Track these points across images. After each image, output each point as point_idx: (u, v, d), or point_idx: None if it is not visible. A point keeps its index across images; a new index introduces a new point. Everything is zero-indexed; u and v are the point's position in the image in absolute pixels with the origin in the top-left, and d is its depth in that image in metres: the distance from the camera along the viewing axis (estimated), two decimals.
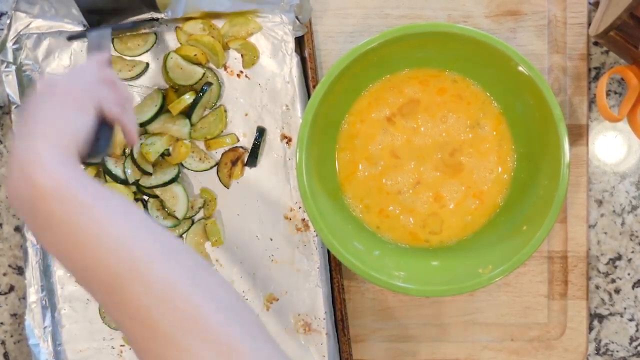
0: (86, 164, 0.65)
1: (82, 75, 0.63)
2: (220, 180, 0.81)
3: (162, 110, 0.79)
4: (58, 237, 0.49)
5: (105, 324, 0.81)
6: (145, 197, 0.81)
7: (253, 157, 0.80)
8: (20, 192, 0.51)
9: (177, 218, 0.80)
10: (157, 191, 0.79)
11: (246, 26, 0.79)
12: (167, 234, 0.52)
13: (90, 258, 0.48)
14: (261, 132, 0.80)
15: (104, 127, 0.62)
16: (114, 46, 0.80)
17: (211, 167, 0.81)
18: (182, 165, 0.80)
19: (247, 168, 0.80)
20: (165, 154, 0.80)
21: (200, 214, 0.81)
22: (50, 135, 0.54)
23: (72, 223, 0.49)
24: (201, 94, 0.78)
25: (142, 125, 0.79)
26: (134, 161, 0.79)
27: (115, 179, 0.79)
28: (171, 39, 0.81)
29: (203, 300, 0.47)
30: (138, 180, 0.79)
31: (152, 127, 0.80)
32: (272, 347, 0.47)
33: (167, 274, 0.47)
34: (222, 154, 0.81)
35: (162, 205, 0.80)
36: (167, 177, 0.79)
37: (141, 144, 0.79)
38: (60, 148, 0.53)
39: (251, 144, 0.80)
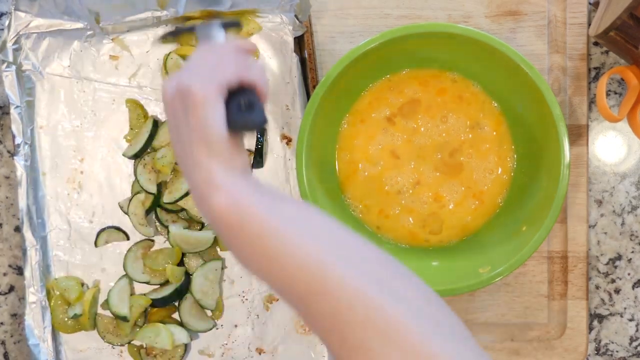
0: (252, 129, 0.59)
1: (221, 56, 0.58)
2: None
3: (154, 136, 0.80)
4: (248, 255, 0.51)
5: (106, 342, 0.81)
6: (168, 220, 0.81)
7: (258, 158, 0.80)
8: (204, 213, 0.53)
9: (203, 224, 0.80)
10: (181, 203, 0.79)
11: (246, 26, 0.79)
12: (349, 237, 0.51)
13: (278, 274, 0.49)
14: (262, 132, 0.80)
15: (246, 95, 0.56)
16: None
17: None
18: None
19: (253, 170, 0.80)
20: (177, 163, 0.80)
21: None
22: (214, 149, 0.53)
23: (255, 243, 0.50)
24: None
25: (137, 155, 0.80)
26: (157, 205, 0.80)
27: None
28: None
29: (390, 300, 0.45)
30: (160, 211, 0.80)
31: (160, 140, 0.80)
32: (465, 346, 0.46)
33: (356, 284, 0.46)
34: None
35: (189, 216, 0.80)
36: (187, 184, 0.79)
37: (153, 159, 0.79)
38: (227, 160, 0.53)
39: (253, 145, 0.80)
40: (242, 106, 0.55)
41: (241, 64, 0.57)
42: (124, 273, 0.81)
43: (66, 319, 0.80)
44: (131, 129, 0.81)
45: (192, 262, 0.81)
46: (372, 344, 0.44)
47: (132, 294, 0.81)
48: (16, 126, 0.80)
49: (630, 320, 0.83)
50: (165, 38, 0.70)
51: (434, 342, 0.44)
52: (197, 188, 0.53)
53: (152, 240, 0.81)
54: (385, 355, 0.44)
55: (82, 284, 0.81)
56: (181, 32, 0.70)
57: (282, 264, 0.49)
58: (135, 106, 0.81)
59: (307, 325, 0.49)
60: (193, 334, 0.81)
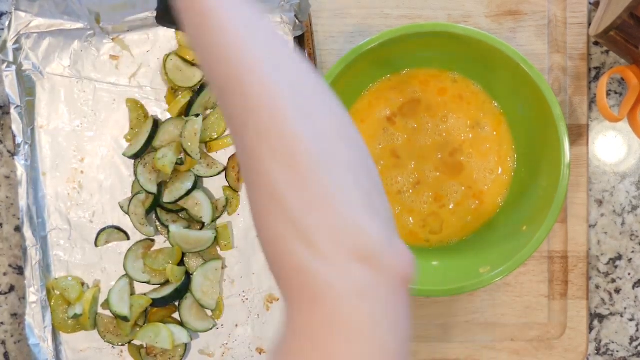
0: None
1: None
2: (230, 185, 0.81)
3: (154, 136, 0.80)
4: (194, 29, 0.49)
5: (107, 341, 0.81)
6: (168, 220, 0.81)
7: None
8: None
9: (204, 223, 0.80)
10: (181, 202, 0.79)
11: None
12: (285, 54, 0.49)
13: (211, 61, 0.47)
14: None
15: None
16: None
17: (219, 173, 0.81)
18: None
19: None
20: (178, 163, 0.79)
21: (225, 215, 0.81)
22: None
23: (205, 24, 0.48)
24: (197, 93, 0.78)
25: (137, 155, 0.80)
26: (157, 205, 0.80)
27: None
28: (170, 38, 0.81)
29: (296, 121, 0.44)
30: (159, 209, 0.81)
31: (161, 139, 0.80)
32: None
33: (267, 84, 0.45)
34: (229, 158, 0.81)
35: (189, 216, 0.80)
36: (188, 184, 0.79)
37: (154, 159, 0.79)
38: None
39: None
40: None
41: None
42: (124, 273, 0.81)
43: (66, 319, 0.80)
44: (131, 128, 0.81)
45: (192, 262, 0.81)
46: (262, 154, 0.43)
47: (132, 293, 0.81)
48: (16, 126, 0.80)
49: (631, 320, 0.83)
50: (162, 16, 0.65)
51: (321, 169, 0.43)
52: None
53: (153, 240, 0.81)
54: (267, 166, 0.43)
55: (83, 284, 0.81)
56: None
57: (215, 46, 0.47)
58: (135, 106, 0.81)
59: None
60: (193, 333, 0.81)
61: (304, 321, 0.43)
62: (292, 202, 0.43)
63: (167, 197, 0.79)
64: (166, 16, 0.62)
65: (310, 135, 0.44)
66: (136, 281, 0.81)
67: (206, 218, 0.79)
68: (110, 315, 0.81)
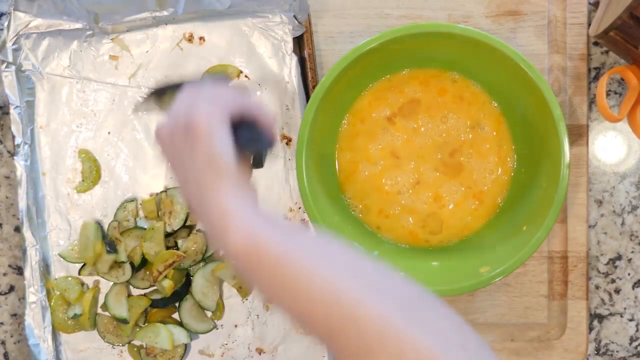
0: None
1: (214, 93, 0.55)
2: None
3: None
4: (269, 290, 0.49)
5: (107, 342, 0.81)
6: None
7: (259, 157, 0.79)
8: (222, 250, 0.51)
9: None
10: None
11: (225, 70, 0.80)
12: (370, 266, 0.49)
13: (301, 308, 0.47)
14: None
15: (247, 130, 0.55)
16: None
17: None
18: None
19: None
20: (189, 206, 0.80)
21: None
22: (224, 174, 0.51)
23: (275, 276, 0.48)
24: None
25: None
26: None
27: None
28: (169, 38, 0.81)
29: (420, 332, 0.44)
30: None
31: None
32: None
33: (378, 310, 0.44)
34: None
35: None
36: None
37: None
38: (237, 189, 0.52)
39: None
40: (247, 132, 0.53)
41: (238, 95, 0.55)
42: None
43: (66, 319, 0.80)
44: (83, 180, 0.81)
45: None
46: None
47: (129, 295, 0.81)
48: (16, 126, 0.80)
49: (631, 320, 0.83)
50: (147, 100, 0.64)
51: None
52: (212, 228, 0.51)
53: None
54: None
55: (82, 284, 0.81)
56: (165, 93, 0.63)
57: (304, 295, 0.47)
58: (88, 158, 0.81)
59: (336, 357, 0.47)
60: (193, 334, 0.81)
61: None
62: None
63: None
64: (155, 100, 0.62)
65: (443, 350, 0.43)
66: (136, 287, 0.81)
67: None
68: (110, 315, 0.81)
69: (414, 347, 0.43)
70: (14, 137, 0.80)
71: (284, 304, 0.49)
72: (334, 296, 0.45)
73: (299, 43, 0.81)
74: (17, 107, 0.80)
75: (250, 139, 0.55)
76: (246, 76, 0.80)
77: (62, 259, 0.81)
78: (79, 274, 0.81)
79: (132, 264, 0.80)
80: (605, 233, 0.83)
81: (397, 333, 0.43)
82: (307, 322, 0.47)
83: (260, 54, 0.80)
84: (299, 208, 0.80)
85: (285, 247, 0.49)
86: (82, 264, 0.81)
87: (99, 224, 0.81)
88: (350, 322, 0.44)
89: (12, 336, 0.86)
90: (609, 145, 0.83)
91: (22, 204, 0.80)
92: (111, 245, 0.79)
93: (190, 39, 0.81)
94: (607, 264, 0.83)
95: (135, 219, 0.81)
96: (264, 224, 0.50)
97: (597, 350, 0.83)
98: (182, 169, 0.53)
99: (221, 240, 0.50)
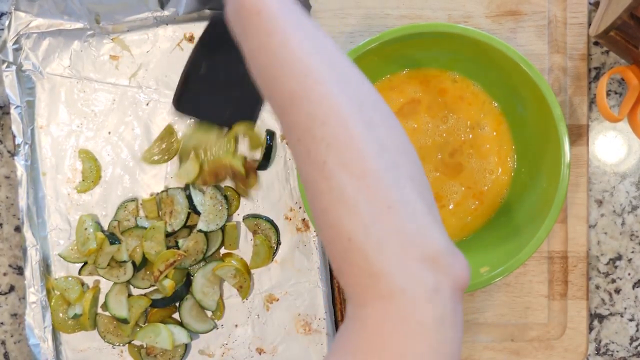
0: None
1: None
2: (241, 195, 0.81)
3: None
4: (255, 48, 0.51)
5: (107, 342, 0.81)
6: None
7: (265, 160, 0.80)
8: (236, 6, 0.53)
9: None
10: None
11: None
12: (345, 64, 0.52)
13: (273, 74, 0.50)
14: (271, 135, 0.80)
15: None
16: None
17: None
18: None
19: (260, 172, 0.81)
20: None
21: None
22: None
23: (269, 42, 0.50)
24: None
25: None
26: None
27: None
28: (170, 38, 0.81)
29: (364, 134, 0.47)
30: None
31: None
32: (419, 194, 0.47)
33: (334, 98, 0.48)
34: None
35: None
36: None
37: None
38: None
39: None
40: None
41: None
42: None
43: (66, 319, 0.80)
44: (83, 180, 0.81)
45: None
46: (331, 164, 0.46)
47: (130, 294, 0.81)
48: (16, 126, 0.80)
49: (631, 320, 0.83)
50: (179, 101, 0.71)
51: (387, 178, 0.46)
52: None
53: None
54: (336, 174, 0.46)
55: (82, 284, 0.81)
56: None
57: (280, 63, 0.49)
58: (88, 158, 0.81)
59: (284, 135, 0.51)
60: (193, 334, 0.81)
61: (376, 320, 0.45)
62: (363, 208, 0.45)
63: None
64: (184, 103, 0.67)
65: (376, 147, 0.47)
66: (137, 287, 0.81)
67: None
68: (110, 315, 0.81)
69: (351, 141, 0.46)
70: (14, 137, 0.80)
71: (260, 66, 0.51)
72: (303, 72, 0.48)
73: None
74: (17, 107, 0.80)
75: None
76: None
77: (62, 259, 0.81)
78: (79, 273, 0.81)
79: (133, 263, 0.80)
80: (605, 233, 0.83)
81: (341, 122, 0.47)
82: (273, 88, 0.50)
83: None
84: (299, 208, 0.80)
85: (288, 15, 0.51)
86: (83, 263, 0.81)
87: (96, 221, 0.81)
88: (304, 97, 0.48)
89: (12, 336, 0.86)
90: (609, 145, 0.83)
91: (22, 204, 0.80)
92: (112, 237, 0.79)
93: (190, 39, 0.81)
94: (607, 264, 0.83)
95: (135, 218, 0.81)
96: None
97: (597, 350, 0.83)
98: None
99: None
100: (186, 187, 0.80)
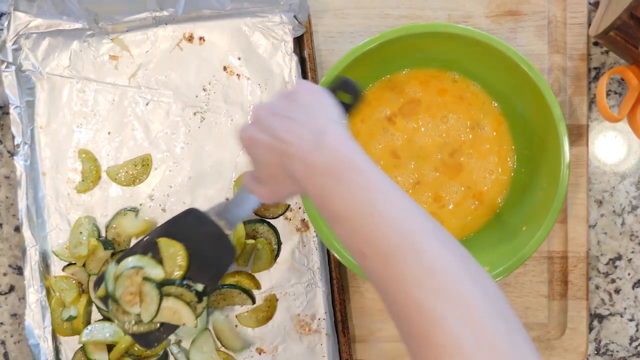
0: None
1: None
2: (256, 213, 0.80)
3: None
4: (344, 197, 0.53)
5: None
6: None
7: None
8: (316, 158, 0.54)
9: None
10: None
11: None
12: (433, 219, 0.53)
13: (372, 229, 0.51)
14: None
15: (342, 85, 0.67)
16: None
17: None
18: None
19: None
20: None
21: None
22: (330, 115, 0.59)
23: (362, 189, 0.52)
24: None
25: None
26: None
27: None
28: (169, 38, 0.81)
29: (471, 285, 0.48)
30: None
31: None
32: (530, 348, 0.48)
33: (440, 250, 0.49)
34: (239, 177, 0.81)
35: None
36: None
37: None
38: (343, 128, 0.58)
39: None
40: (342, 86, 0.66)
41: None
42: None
43: (62, 320, 0.80)
44: (83, 180, 0.81)
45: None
46: (445, 313, 0.46)
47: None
48: (16, 126, 0.80)
49: (631, 320, 0.83)
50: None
51: (507, 338, 0.46)
52: (304, 139, 0.55)
53: None
54: (455, 328, 0.46)
55: (81, 285, 0.81)
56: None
57: (379, 217, 0.51)
58: (88, 158, 0.81)
59: (379, 287, 0.51)
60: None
61: None
62: (469, 345, 0.46)
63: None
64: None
65: (482, 296, 0.48)
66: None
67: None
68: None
69: (460, 288, 0.47)
70: (14, 137, 0.80)
71: (354, 218, 0.52)
72: (406, 227, 0.50)
73: (299, 43, 0.81)
74: (17, 107, 0.80)
75: (346, 90, 0.66)
76: (247, 77, 0.80)
77: (60, 260, 0.81)
78: (62, 270, 0.80)
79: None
80: (605, 233, 0.83)
81: (448, 271, 0.48)
82: (367, 242, 0.51)
83: (260, 54, 0.80)
84: (299, 208, 0.80)
85: (374, 170, 0.53)
86: (73, 262, 0.81)
87: (94, 224, 0.81)
88: (412, 252, 0.49)
89: (12, 336, 0.86)
90: (609, 145, 0.83)
91: (22, 204, 0.79)
92: (107, 243, 0.79)
93: (190, 39, 0.81)
94: (607, 264, 0.83)
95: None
96: (357, 145, 0.56)
97: (597, 350, 0.83)
98: (277, 129, 0.58)
99: (315, 150, 0.54)
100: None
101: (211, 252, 0.72)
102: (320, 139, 0.55)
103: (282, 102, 0.61)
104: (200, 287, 0.71)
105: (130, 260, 0.71)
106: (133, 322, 0.72)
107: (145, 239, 0.73)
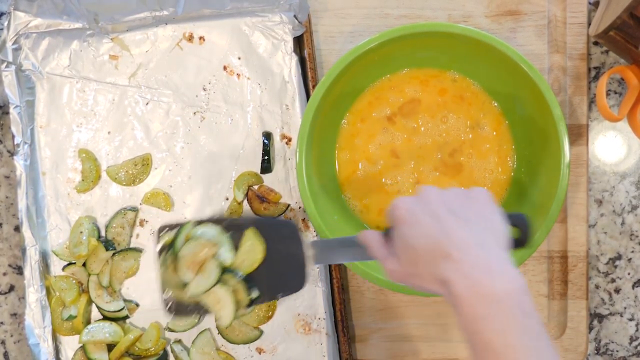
0: None
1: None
2: (255, 213, 0.81)
3: None
4: (504, 338, 0.51)
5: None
6: None
7: (266, 163, 0.80)
8: (484, 281, 0.52)
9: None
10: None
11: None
12: None
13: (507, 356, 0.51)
14: (267, 136, 0.80)
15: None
16: None
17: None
18: None
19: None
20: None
21: None
22: (500, 240, 0.56)
23: (522, 340, 0.51)
24: None
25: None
26: None
27: None
28: (169, 38, 0.81)
29: None
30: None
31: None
32: None
33: None
34: (248, 190, 0.80)
35: None
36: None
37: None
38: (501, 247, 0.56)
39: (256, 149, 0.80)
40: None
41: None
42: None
43: (62, 320, 0.81)
44: (83, 180, 0.81)
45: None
46: None
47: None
48: (16, 126, 0.80)
49: (630, 319, 0.83)
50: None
51: None
52: (472, 252, 0.54)
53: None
54: None
55: (81, 284, 0.81)
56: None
57: (525, 348, 0.50)
58: (88, 158, 0.81)
59: None
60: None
61: None
62: None
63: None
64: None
65: None
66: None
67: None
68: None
69: None
70: (13, 136, 0.80)
71: (507, 355, 0.51)
72: None
73: (299, 43, 0.81)
74: (17, 106, 0.80)
75: (516, 225, 0.62)
76: (247, 77, 0.80)
77: (60, 260, 0.81)
78: (62, 270, 0.81)
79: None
80: (605, 233, 0.83)
81: None
82: None
83: (260, 53, 0.80)
84: (299, 208, 0.80)
85: (536, 314, 0.53)
86: (73, 262, 0.81)
87: (94, 224, 0.81)
88: None
89: (12, 336, 0.86)
90: (609, 145, 0.83)
91: (21, 203, 0.80)
92: (109, 244, 0.79)
93: (190, 38, 0.81)
94: (607, 263, 0.83)
95: (131, 230, 0.81)
96: (526, 286, 0.55)
97: (597, 349, 0.83)
98: (436, 227, 0.56)
99: (485, 273, 0.52)
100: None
101: (284, 270, 0.68)
102: (491, 262, 0.53)
103: (459, 199, 0.58)
104: (256, 293, 0.68)
105: (211, 232, 0.68)
106: (174, 284, 0.69)
107: (236, 219, 0.69)
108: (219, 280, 0.68)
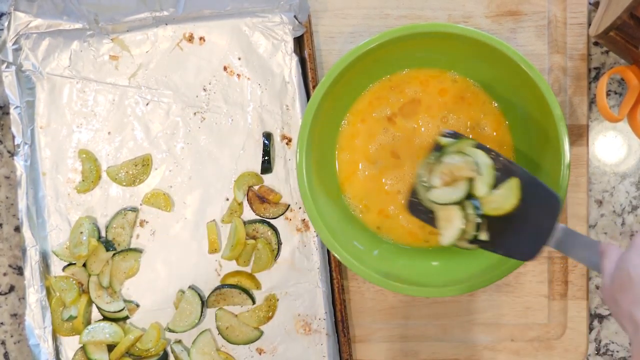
0: None
1: None
2: (256, 214, 0.81)
3: None
4: None
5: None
6: None
7: (267, 163, 0.80)
8: None
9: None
10: None
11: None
12: None
13: None
14: (267, 136, 0.80)
15: None
16: None
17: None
18: None
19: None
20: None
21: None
22: None
23: None
24: None
25: None
26: None
27: None
28: (169, 38, 0.81)
29: None
30: None
31: None
32: None
33: None
34: (248, 191, 0.81)
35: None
36: None
37: None
38: None
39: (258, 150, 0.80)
40: None
41: None
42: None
43: (62, 320, 0.81)
44: (83, 180, 0.81)
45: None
46: None
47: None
48: (16, 126, 0.80)
49: None
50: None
51: None
52: None
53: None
54: None
55: (81, 285, 0.81)
56: None
57: None
58: (88, 158, 0.81)
59: None
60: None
61: None
62: None
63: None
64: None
65: None
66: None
67: None
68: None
69: None
70: (14, 137, 0.80)
71: None
72: None
73: (299, 43, 0.81)
74: (17, 107, 0.80)
75: None
76: (247, 77, 0.80)
77: (60, 260, 0.81)
78: (63, 270, 0.81)
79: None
80: (605, 233, 0.83)
81: None
82: None
83: (260, 54, 0.80)
84: (299, 208, 0.80)
85: None
86: (73, 263, 0.81)
87: (94, 224, 0.81)
88: None
89: (12, 336, 0.86)
90: (609, 146, 0.83)
91: (22, 204, 0.80)
92: (109, 244, 0.80)
93: (190, 39, 0.81)
94: None
95: (131, 230, 0.81)
96: None
97: (597, 350, 0.83)
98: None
99: None
100: None
101: (522, 234, 0.67)
102: None
103: None
104: (484, 236, 0.69)
105: (482, 160, 0.69)
106: (422, 184, 0.70)
107: (510, 163, 0.69)
108: (460, 202, 0.69)
